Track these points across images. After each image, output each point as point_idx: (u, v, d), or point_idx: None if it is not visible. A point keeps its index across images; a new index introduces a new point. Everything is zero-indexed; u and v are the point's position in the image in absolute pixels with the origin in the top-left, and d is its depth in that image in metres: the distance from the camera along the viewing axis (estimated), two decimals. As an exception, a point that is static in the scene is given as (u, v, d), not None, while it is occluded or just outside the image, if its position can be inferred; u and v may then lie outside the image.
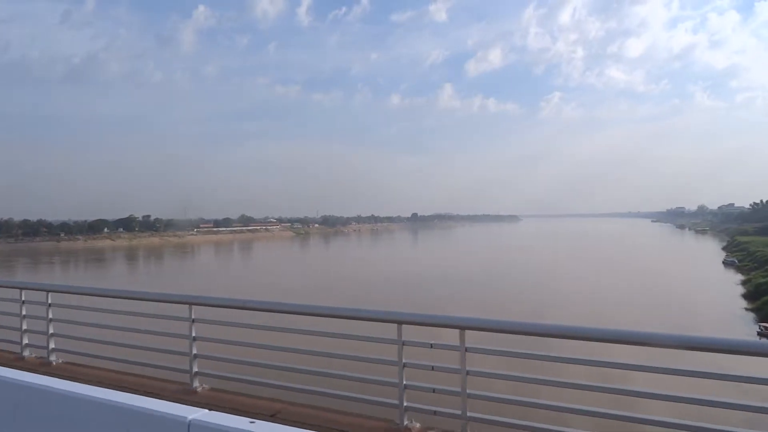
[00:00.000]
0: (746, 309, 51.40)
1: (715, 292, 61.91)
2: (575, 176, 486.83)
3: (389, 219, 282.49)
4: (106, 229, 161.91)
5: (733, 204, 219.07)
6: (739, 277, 74.17)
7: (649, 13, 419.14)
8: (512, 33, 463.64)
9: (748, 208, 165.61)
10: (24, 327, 8.20)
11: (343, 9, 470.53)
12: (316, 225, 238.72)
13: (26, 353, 8.22)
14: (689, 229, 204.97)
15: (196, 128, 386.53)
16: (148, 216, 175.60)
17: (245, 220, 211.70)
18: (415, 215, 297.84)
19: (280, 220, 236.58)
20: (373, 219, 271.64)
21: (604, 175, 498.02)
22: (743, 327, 45.26)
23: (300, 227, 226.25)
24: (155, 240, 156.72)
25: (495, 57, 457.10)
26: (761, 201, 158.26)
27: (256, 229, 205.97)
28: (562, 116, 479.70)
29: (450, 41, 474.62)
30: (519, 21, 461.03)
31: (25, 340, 8.25)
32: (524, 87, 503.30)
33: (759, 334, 41.15)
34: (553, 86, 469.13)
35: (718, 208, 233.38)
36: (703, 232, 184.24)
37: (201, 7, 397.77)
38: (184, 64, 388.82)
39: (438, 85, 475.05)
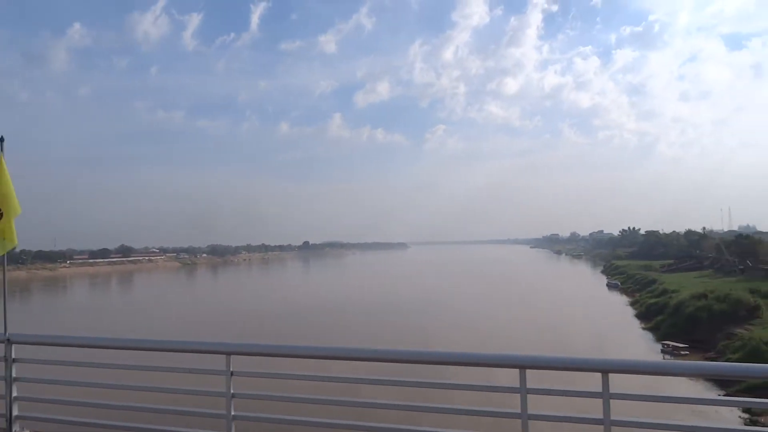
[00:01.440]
0: (643, 328, 55.26)
1: (611, 314, 66.02)
2: (459, 205, 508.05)
3: (280, 248, 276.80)
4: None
5: (602, 231, 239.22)
6: (625, 298, 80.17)
7: (523, 54, 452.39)
8: (399, 67, 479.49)
9: (618, 235, 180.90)
10: None
11: (232, 35, 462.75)
12: (204, 255, 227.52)
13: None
14: (565, 254, 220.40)
15: (71, 151, 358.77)
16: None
17: (125, 251, 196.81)
18: (306, 243, 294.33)
19: (164, 250, 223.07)
20: (264, 248, 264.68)
21: (485, 204, 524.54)
22: (648, 344, 48.43)
23: (186, 257, 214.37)
24: (21, 273, 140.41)
25: (383, 89, 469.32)
26: (629, 228, 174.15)
27: (138, 260, 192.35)
28: (446, 148, 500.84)
29: (339, 72, 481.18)
30: (405, 56, 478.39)
31: None
32: (411, 119, 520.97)
33: (663, 351, 44.17)
34: (438, 119, 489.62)
35: (590, 234, 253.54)
36: (578, 256, 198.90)
37: (76, 25, 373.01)
38: (56, 84, 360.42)
39: (327, 115, 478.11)
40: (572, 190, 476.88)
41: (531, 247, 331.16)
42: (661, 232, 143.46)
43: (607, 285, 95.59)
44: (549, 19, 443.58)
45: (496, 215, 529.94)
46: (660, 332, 50.04)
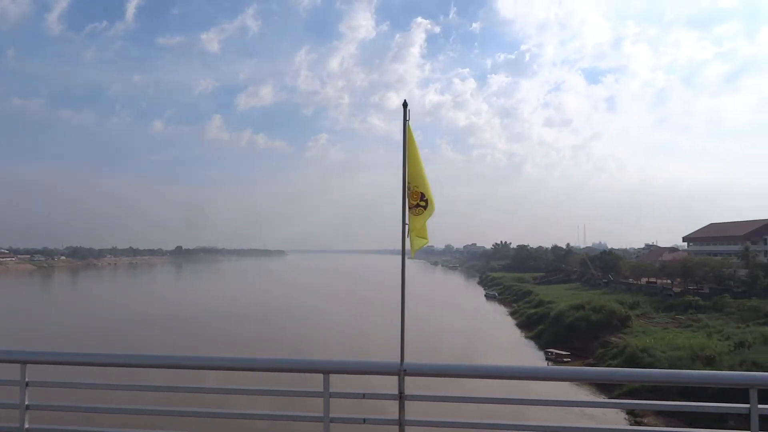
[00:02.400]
0: (526, 337, 58.56)
1: (493, 323, 69.34)
2: (339, 214, 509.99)
3: (150, 252, 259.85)
4: None
5: (475, 244, 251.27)
6: (503, 308, 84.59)
7: (406, 71, 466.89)
8: (284, 73, 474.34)
9: (491, 248, 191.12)
10: None
11: (104, 23, 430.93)
12: (63, 258, 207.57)
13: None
14: (441, 265, 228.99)
15: None
16: None
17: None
18: (179, 248, 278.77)
19: (14, 251, 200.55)
20: (132, 252, 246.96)
21: (365, 214, 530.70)
22: (532, 351, 51.32)
23: (42, 260, 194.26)
24: None
25: (266, 93, 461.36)
26: (501, 242, 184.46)
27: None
28: (328, 157, 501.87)
29: (221, 73, 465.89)
30: (291, 62, 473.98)
31: None
32: (294, 126, 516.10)
33: (547, 359, 47.01)
34: (321, 128, 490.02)
35: (464, 247, 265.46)
36: (453, 268, 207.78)
37: None
38: None
39: (206, 116, 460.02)
40: (447, 204, 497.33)
41: (408, 258, 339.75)
42: (529, 246, 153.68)
43: (485, 296, 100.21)
44: (432, 39, 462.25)
45: (374, 226, 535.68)
46: (542, 340, 53.32)
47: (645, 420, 30.34)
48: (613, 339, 46.95)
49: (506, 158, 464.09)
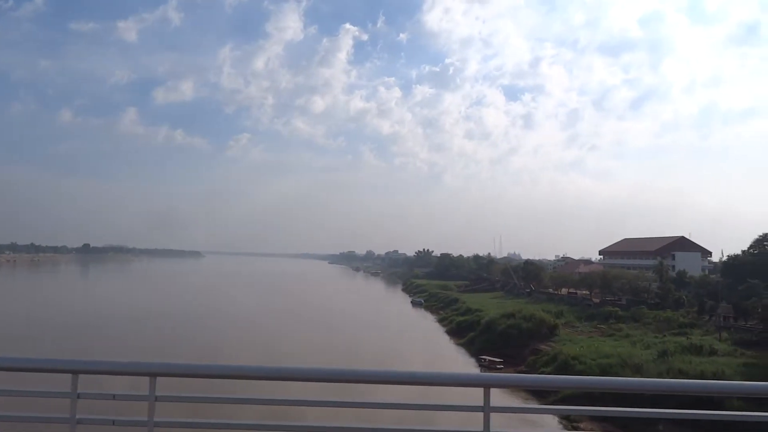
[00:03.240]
0: (457, 344, 59.58)
1: (422, 330, 70.08)
2: (258, 217, 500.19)
3: (54, 249, 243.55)
4: None
5: (397, 251, 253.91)
6: (430, 315, 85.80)
7: (333, 76, 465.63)
8: (206, 69, 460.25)
9: (414, 255, 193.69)
10: None
11: (10, 2, 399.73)
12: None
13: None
14: (363, 271, 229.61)
15: None
16: None
17: None
18: (86, 246, 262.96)
19: None
20: (34, 248, 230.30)
21: (284, 217, 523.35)
22: (464, 358, 52.30)
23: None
24: None
25: (186, 89, 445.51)
26: (423, 249, 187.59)
27: None
28: (249, 157, 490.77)
29: (138, 64, 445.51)
30: (214, 58, 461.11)
31: None
32: (214, 123, 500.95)
33: (481, 365, 48.07)
34: (243, 127, 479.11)
35: (385, 253, 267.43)
36: (375, 274, 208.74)
37: None
38: None
39: (120, 108, 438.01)
40: (369, 210, 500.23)
41: (329, 263, 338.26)
42: (452, 255, 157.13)
43: (411, 302, 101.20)
44: (359, 46, 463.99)
45: (294, 230, 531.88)
46: (474, 347, 54.45)
47: (581, 425, 31.73)
48: (542, 347, 48.70)
49: (428, 167, 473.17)
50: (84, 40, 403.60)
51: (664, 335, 47.53)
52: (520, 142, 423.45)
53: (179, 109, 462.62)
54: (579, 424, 31.96)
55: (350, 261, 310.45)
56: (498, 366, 46.51)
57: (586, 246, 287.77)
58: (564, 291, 79.58)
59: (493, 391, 4.00)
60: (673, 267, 78.87)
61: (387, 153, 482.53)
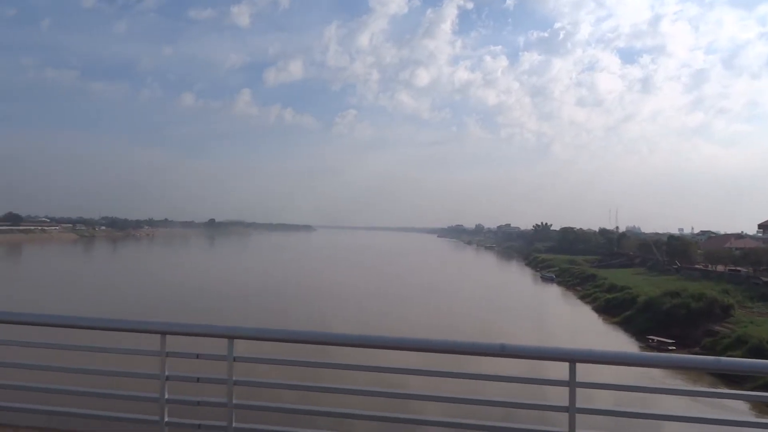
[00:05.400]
0: (609, 323, 56.99)
1: (567, 308, 67.96)
2: (365, 191, 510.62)
3: (184, 224, 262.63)
4: None
5: (509, 224, 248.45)
6: (566, 291, 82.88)
7: (437, 47, 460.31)
8: (313, 48, 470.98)
9: (531, 229, 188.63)
10: None
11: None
12: (103, 228, 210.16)
13: None
14: (476, 245, 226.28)
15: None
16: None
17: (14, 219, 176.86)
18: (212, 221, 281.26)
19: (54, 220, 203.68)
20: (167, 223, 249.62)
21: (390, 191, 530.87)
22: (624, 338, 49.87)
23: (84, 229, 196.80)
24: None
25: (295, 69, 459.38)
26: (542, 223, 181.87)
27: (29, 230, 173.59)
28: (355, 133, 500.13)
29: (250, 47, 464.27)
30: (320, 37, 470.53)
31: None
32: (322, 101, 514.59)
33: (649, 346, 45.55)
34: (349, 104, 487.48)
35: (497, 227, 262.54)
36: (490, 248, 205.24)
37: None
38: None
39: (236, 90, 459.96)
40: (475, 183, 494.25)
41: (438, 236, 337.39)
42: (574, 228, 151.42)
43: (541, 278, 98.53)
44: (464, 15, 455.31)
45: (399, 203, 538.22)
46: (632, 327, 51.77)
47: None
48: (717, 328, 45.39)
49: (535, 138, 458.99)
50: (201, 26, 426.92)
51: None
52: (637, 108, 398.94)
53: (289, 89, 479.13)
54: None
55: (459, 234, 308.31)
56: (670, 348, 43.93)
57: (716, 218, 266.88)
58: (720, 268, 73.69)
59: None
60: None
61: (493, 124, 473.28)
